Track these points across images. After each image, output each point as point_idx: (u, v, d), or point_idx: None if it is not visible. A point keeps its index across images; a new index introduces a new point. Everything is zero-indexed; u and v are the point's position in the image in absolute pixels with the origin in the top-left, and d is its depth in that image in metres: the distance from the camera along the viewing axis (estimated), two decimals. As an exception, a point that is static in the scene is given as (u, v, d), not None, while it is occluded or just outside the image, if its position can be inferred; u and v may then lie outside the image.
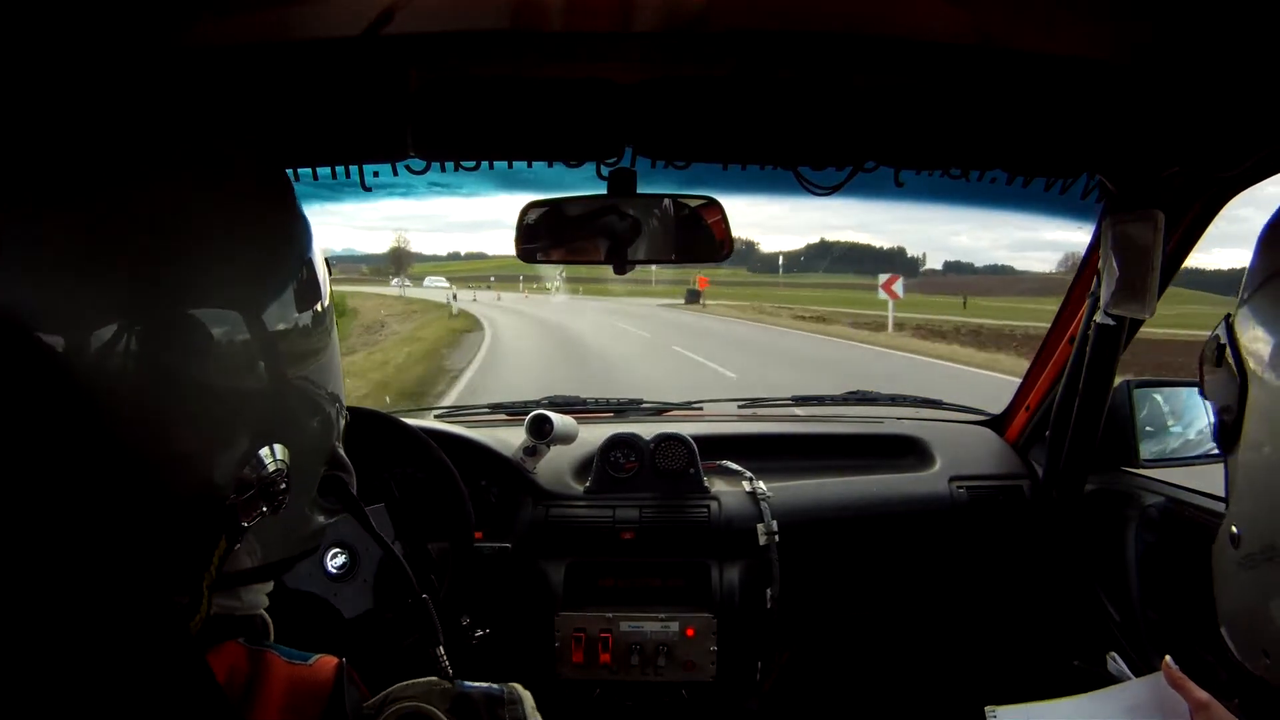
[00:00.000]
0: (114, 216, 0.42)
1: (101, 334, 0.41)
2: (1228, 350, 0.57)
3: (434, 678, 0.51)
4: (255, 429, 0.47)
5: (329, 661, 0.50)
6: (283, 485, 0.47)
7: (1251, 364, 0.55)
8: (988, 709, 0.76)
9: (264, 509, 0.47)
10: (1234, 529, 0.56)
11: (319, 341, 0.53)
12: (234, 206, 0.48)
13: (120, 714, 0.37)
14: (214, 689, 0.41)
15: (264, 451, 0.47)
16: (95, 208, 0.42)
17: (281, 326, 0.49)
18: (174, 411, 0.44)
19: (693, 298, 29.54)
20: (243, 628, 0.50)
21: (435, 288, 36.24)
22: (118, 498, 0.40)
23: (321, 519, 0.55)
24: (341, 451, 0.55)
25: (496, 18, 0.76)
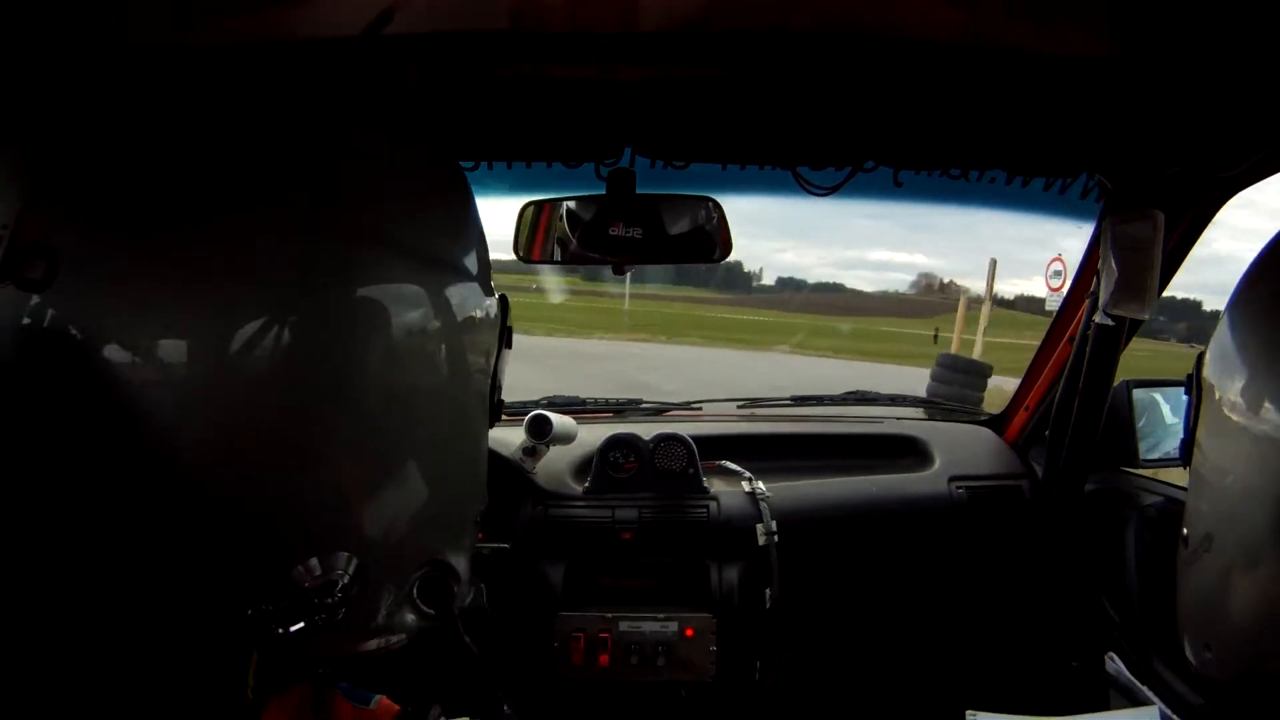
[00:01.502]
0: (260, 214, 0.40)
1: (244, 333, 0.37)
2: (1195, 372, 0.63)
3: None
4: (362, 501, 0.42)
5: (390, 708, 0.51)
6: (336, 598, 0.42)
7: (1206, 385, 0.60)
8: (969, 713, 0.77)
9: (309, 620, 0.42)
10: (1184, 530, 0.62)
11: (479, 390, 0.48)
12: (408, 186, 0.46)
13: None
14: None
15: (337, 557, 0.42)
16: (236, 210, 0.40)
17: (469, 315, 0.44)
18: (281, 466, 0.39)
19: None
20: (311, 668, 0.50)
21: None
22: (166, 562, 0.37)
23: (412, 622, 0.49)
24: (451, 557, 0.50)
25: (496, 18, 0.75)
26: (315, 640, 0.44)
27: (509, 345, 0.52)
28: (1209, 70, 0.77)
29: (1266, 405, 0.53)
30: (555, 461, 1.43)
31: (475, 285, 0.47)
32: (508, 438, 1.42)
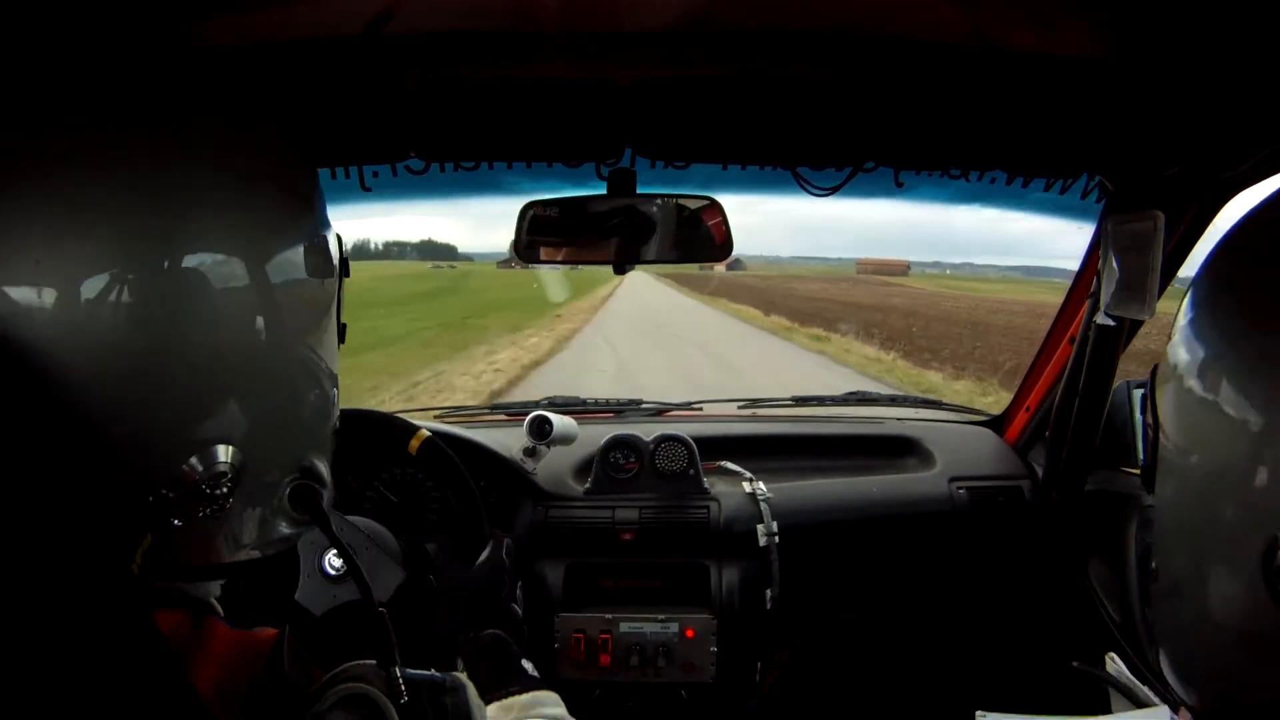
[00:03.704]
0: (91, 174, 0.42)
1: (89, 288, 0.40)
2: (1149, 398, 0.55)
3: (374, 661, 0.51)
4: (235, 403, 0.46)
5: (270, 630, 0.53)
6: (224, 489, 0.45)
7: (1161, 415, 0.53)
8: (979, 714, 0.76)
9: (201, 511, 0.45)
10: (1153, 564, 0.56)
11: (323, 315, 0.52)
12: (240, 159, 0.48)
13: (62, 669, 0.37)
14: (158, 644, 0.42)
15: (219, 449, 0.45)
16: (69, 168, 0.42)
17: (286, 281, 0.48)
18: (155, 377, 0.43)
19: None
20: (188, 602, 0.51)
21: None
22: (60, 473, 0.39)
23: (285, 529, 0.52)
24: (317, 463, 0.53)
25: (496, 18, 0.75)
26: (200, 544, 0.48)
27: (347, 274, 0.57)
28: (1209, 70, 0.77)
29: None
30: (556, 462, 1.43)
31: (301, 252, 0.50)
32: (508, 438, 1.42)
